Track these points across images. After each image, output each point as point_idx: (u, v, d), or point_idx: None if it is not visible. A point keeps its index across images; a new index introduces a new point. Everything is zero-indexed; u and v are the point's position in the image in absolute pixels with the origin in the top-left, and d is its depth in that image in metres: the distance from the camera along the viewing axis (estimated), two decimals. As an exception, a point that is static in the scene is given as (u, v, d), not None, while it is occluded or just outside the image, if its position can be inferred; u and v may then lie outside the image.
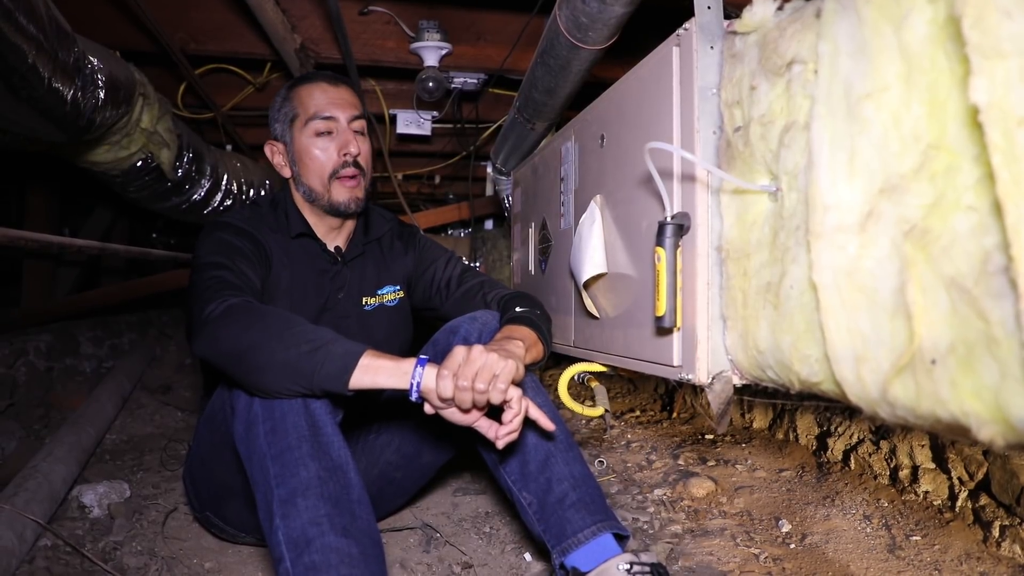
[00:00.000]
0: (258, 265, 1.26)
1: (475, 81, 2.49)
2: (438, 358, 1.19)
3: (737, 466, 1.79)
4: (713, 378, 1.02)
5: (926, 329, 0.61)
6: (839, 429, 1.75)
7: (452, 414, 1.01)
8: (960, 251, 0.57)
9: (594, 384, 1.62)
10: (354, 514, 0.97)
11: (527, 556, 1.35)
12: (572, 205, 1.65)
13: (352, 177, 1.35)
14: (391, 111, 2.90)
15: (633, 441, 2.11)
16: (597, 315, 1.46)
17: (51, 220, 3.22)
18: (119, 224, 3.83)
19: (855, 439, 1.69)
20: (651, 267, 1.09)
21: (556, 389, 1.59)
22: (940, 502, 1.43)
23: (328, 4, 1.77)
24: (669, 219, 1.04)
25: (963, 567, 1.21)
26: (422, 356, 1.02)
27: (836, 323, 0.73)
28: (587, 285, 1.44)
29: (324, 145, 1.34)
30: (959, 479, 1.40)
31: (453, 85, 2.47)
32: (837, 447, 1.73)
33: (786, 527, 1.42)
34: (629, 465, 1.88)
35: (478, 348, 0.99)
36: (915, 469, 1.50)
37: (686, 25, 1.05)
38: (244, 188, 3.17)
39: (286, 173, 1.40)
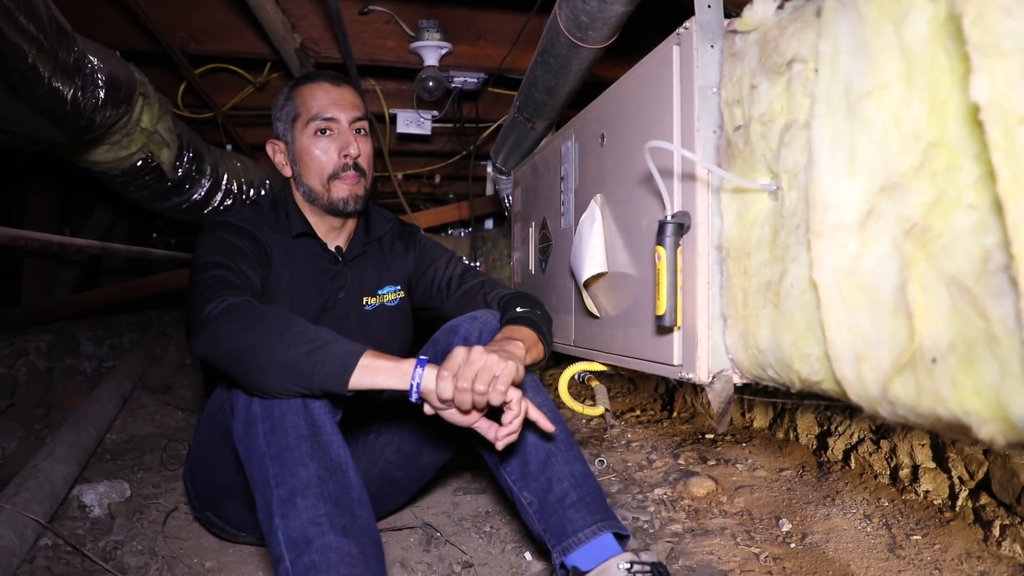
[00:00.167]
0: (258, 265, 1.26)
1: (475, 80, 2.49)
2: (438, 358, 1.19)
3: (737, 465, 1.79)
4: (713, 377, 1.02)
5: (927, 327, 0.61)
6: (839, 428, 1.74)
7: (452, 415, 1.01)
8: (961, 249, 0.57)
9: (594, 383, 1.62)
10: (354, 514, 0.97)
11: (527, 555, 1.36)
12: (572, 204, 1.64)
13: (352, 178, 1.35)
14: (391, 111, 2.90)
15: (633, 440, 2.11)
16: (597, 314, 1.45)
17: (51, 220, 3.21)
18: (119, 224, 3.83)
19: (855, 438, 1.69)
20: (651, 266, 1.09)
21: (556, 388, 1.59)
22: (940, 501, 1.43)
23: (328, 4, 1.77)
24: (669, 218, 1.04)
25: (963, 566, 1.21)
26: (422, 357, 1.02)
27: (837, 322, 0.73)
28: (587, 284, 1.44)
29: (325, 146, 1.34)
30: (959, 478, 1.40)
31: (453, 84, 2.47)
32: (837, 446, 1.73)
33: (786, 526, 1.42)
34: (629, 464, 1.88)
35: (478, 349, 0.99)
36: (915, 468, 1.50)
37: (686, 24, 1.05)
38: (244, 188, 3.17)
39: (287, 172, 1.40)
